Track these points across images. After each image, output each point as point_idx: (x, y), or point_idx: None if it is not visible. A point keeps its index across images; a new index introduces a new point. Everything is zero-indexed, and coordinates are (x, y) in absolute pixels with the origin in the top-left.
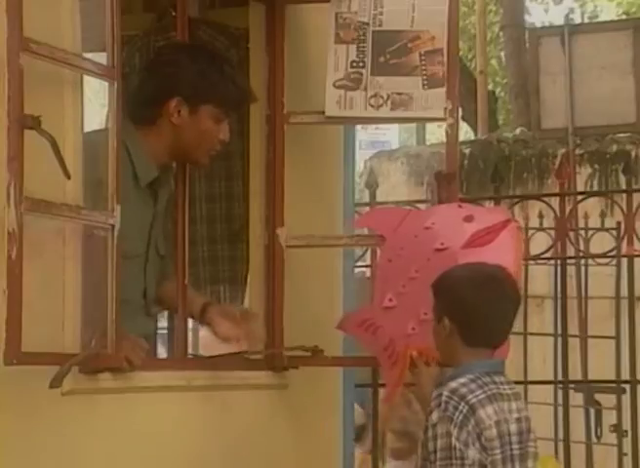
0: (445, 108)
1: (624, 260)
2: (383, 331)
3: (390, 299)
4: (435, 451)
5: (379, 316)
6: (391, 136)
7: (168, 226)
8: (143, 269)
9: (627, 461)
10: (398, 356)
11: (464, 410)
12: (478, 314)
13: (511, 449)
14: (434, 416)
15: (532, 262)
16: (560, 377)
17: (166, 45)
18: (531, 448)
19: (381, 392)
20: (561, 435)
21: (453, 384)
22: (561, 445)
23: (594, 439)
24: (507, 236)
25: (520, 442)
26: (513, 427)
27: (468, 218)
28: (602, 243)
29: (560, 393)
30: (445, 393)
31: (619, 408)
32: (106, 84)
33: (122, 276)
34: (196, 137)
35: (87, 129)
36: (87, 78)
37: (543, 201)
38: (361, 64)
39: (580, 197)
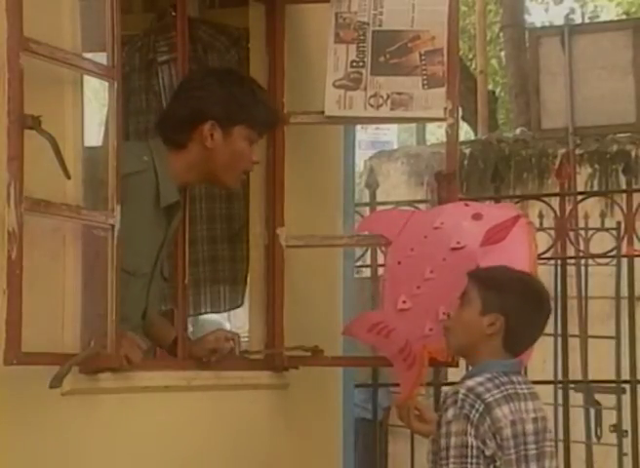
0: (445, 108)
1: (624, 260)
2: (398, 333)
3: (404, 301)
4: (447, 449)
5: (392, 319)
6: (391, 136)
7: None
8: (147, 288)
9: (627, 461)
10: (415, 357)
11: (480, 409)
12: (530, 327)
13: (526, 449)
14: (450, 414)
15: None
16: (560, 377)
17: (196, 69)
18: (547, 448)
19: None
20: (561, 435)
21: (470, 382)
22: (561, 445)
23: (594, 439)
24: (519, 232)
25: (537, 442)
26: (530, 427)
27: (477, 216)
28: (602, 243)
29: (560, 393)
30: (462, 391)
31: (619, 408)
32: (106, 84)
33: (126, 293)
34: (229, 160)
35: (87, 129)
36: (87, 78)
37: (543, 201)
38: (361, 64)
39: (580, 197)
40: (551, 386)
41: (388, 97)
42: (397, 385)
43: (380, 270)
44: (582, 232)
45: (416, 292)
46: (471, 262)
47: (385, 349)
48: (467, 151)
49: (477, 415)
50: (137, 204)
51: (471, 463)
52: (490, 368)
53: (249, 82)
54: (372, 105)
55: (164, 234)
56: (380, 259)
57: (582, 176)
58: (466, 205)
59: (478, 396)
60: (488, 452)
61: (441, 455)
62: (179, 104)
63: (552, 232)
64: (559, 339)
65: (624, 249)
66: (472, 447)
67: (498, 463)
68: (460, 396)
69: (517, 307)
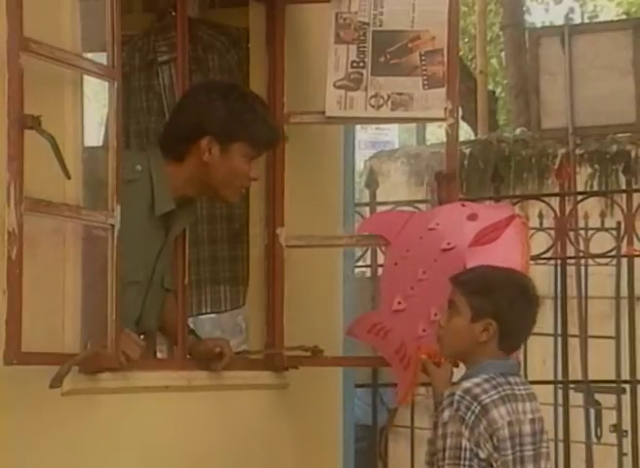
0: (445, 108)
1: (624, 260)
2: (394, 334)
3: (399, 302)
4: (444, 450)
5: (388, 319)
6: (392, 136)
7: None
8: (143, 297)
9: (627, 461)
10: (410, 358)
11: (477, 411)
12: (522, 324)
13: (522, 451)
14: (445, 415)
15: (532, 262)
16: (560, 377)
17: (198, 84)
18: (544, 449)
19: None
20: (561, 435)
21: (466, 384)
22: (561, 445)
23: (594, 439)
24: (512, 232)
25: (534, 443)
26: (527, 428)
27: (472, 217)
28: (602, 243)
29: (560, 393)
30: (458, 393)
31: (619, 408)
32: (106, 84)
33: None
34: (226, 175)
35: (87, 129)
36: (87, 78)
37: (543, 201)
38: (361, 64)
39: (580, 197)
40: (551, 386)
41: (389, 97)
42: (396, 385)
43: (381, 271)
44: (582, 232)
45: (410, 292)
46: (460, 263)
47: (383, 350)
48: (467, 151)
49: (473, 418)
50: (129, 212)
51: (464, 465)
52: (487, 369)
53: (252, 99)
54: (372, 106)
55: (161, 243)
56: (381, 260)
57: (582, 176)
58: (463, 205)
59: (475, 398)
60: (483, 455)
61: (438, 457)
62: (180, 118)
63: (552, 232)
64: (559, 339)
65: (624, 249)
66: (466, 449)
67: (495, 466)
68: (457, 397)
69: (507, 307)
